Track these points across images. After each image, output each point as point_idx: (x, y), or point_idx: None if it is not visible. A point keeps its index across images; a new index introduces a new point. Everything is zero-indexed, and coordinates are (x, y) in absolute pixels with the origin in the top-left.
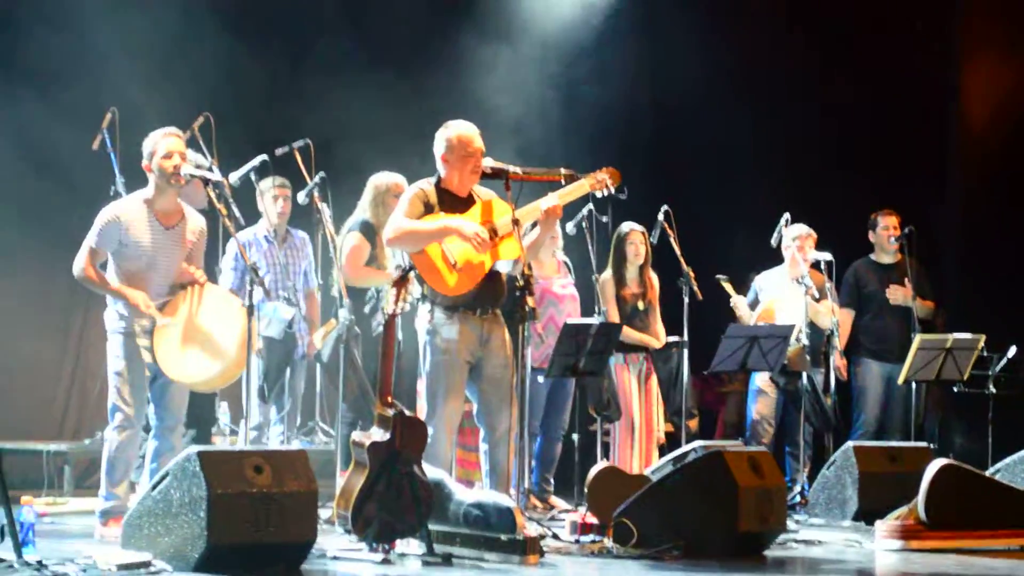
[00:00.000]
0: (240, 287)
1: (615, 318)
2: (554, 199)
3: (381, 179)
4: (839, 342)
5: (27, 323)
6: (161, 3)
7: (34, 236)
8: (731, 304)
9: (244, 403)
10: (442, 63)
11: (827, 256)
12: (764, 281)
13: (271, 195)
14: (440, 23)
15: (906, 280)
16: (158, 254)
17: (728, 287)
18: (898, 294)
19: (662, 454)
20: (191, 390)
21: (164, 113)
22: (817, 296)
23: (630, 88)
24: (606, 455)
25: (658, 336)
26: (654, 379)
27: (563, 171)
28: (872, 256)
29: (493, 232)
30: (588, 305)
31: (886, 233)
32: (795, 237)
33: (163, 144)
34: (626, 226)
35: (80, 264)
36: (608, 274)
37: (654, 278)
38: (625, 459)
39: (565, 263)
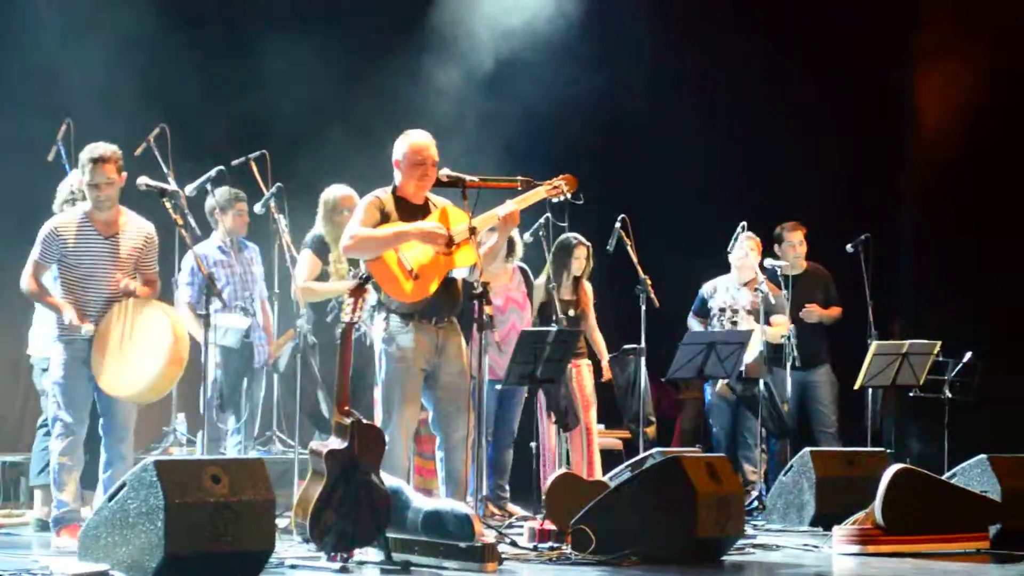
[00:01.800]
0: (198, 299)
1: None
2: (511, 205)
3: (330, 193)
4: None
5: None
6: (116, 13)
7: None
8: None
9: (202, 413)
10: (395, 76)
11: (783, 264)
12: (712, 288)
13: (232, 209)
14: (394, 36)
15: (816, 289)
16: (98, 264)
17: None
18: (813, 315)
19: (618, 461)
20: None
21: (120, 124)
22: (773, 303)
23: (587, 95)
24: (565, 462)
25: (596, 341)
26: (588, 384)
27: (520, 178)
28: (777, 270)
29: (450, 240)
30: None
31: (788, 245)
32: (750, 244)
33: (88, 173)
34: (573, 239)
35: (25, 279)
36: (542, 279)
37: (588, 288)
38: (558, 466)
39: (521, 269)
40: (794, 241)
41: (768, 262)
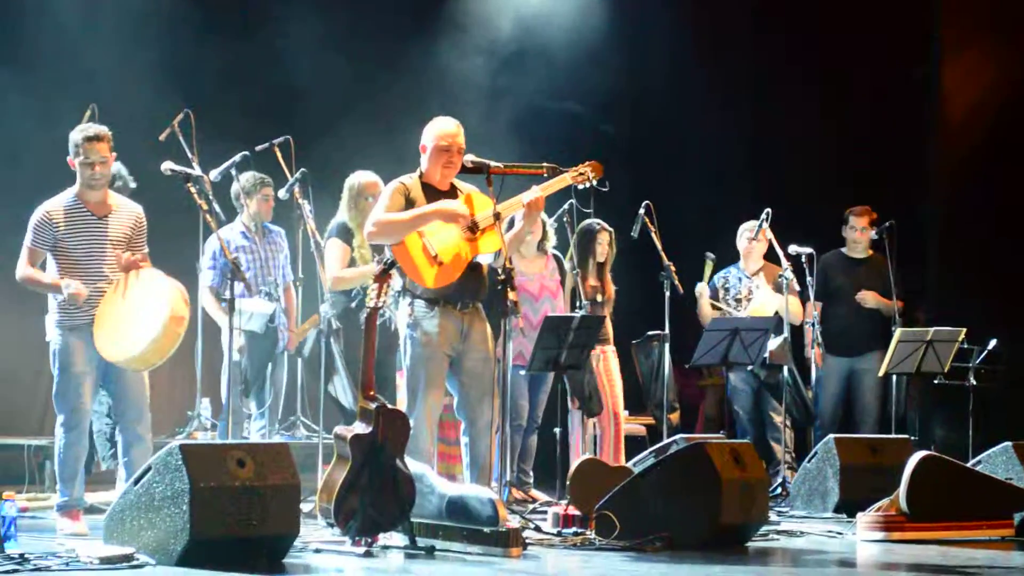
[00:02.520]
0: (221, 283)
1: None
2: (536, 191)
3: (355, 179)
4: (819, 335)
5: (7, 320)
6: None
7: (12, 235)
8: (696, 290)
9: (224, 397)
10: (418, 61)
11: (808, 250)
12: (723, 280)
13: (257, 195)
14: (418, 21)
15: (877, 278)
16: (93, 245)
17: (708, 270)
18: (868, 299)
19: (642, 448)
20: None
21: (144, 109)
22: (798, 288)
23: (610, 84)
24: (594, 449)
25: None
26: (614, 370)
27: (545, 165)
28: (843, 250)
29: (474, 226)
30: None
31: (855, 228)
32: (745, 233)
33: (83, 151)
34: (596, 224)
35: (20, 266)
36: (567, 266)
37: (610, 280)
38: (587, 451)
39: (555, 256)
40: (857, 226)
41: (792, 248)
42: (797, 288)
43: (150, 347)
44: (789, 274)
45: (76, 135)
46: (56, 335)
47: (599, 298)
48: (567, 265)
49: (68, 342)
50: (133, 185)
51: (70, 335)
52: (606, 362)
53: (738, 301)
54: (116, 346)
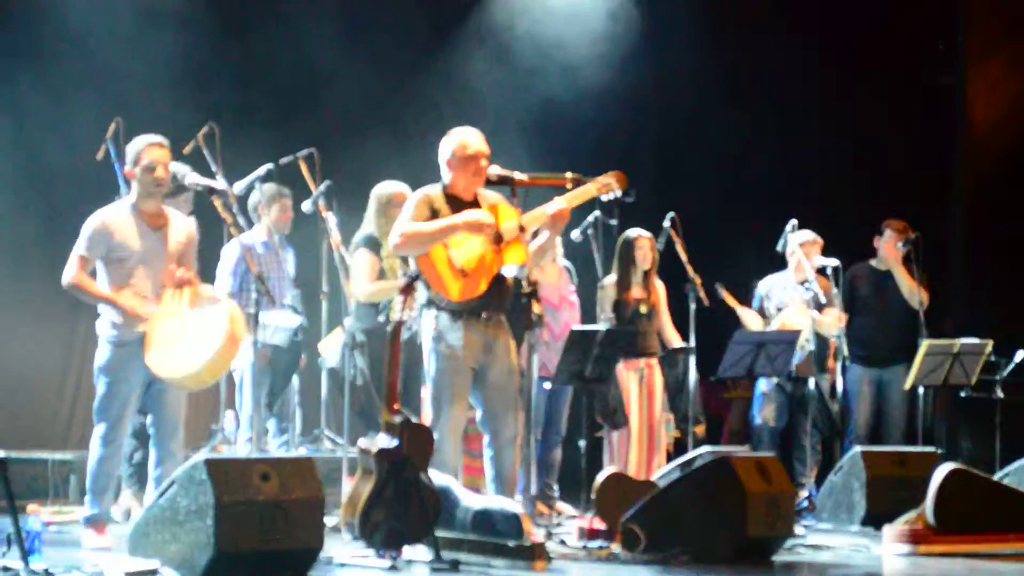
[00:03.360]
0: (238, 292)
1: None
2: (561, 203)
3: (383, 189)
4: (844, 347)
5: (32, 333)
6: (166, 13)
7: (38, 247)
8: (740, 316)
9: (247, 411)
10: (444, 73)
11: (834, 262)
12: (768, 287)
13: (277, 205)
14: (442, 33)
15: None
16: (147, 256)
17: (728, 297)
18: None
19: (669, 461)
20: (181, 390)
21: (169, 123)
22: (823, 301)
23: (635, 94)
24: (612, 461)
25: (669, 338)
26: (657, 383)
27: (569, 175)
28: (872, 261)
29: (499, 238)
30: (591, 311)
31: (889, 246)
32: (801, 243)
33: (146, 155)
34: (633, 232)
35: (70, 273)
36: (611, 279)
37: (659, 284)
38: (623, 464)
39: (568, 269)
40: (894, 242)
41: (817, 260)
42: (823, 301)
43: (206, 367)
44: (816, 286)
45: (138, 142)
46: (105, 348)
47: (643, 309)
48: (611, 278)
49: (117, 356)
50: (189, 183)
51: (120, 349)
52: (649, 375)
53: (779, 310)
54: (171, 363)
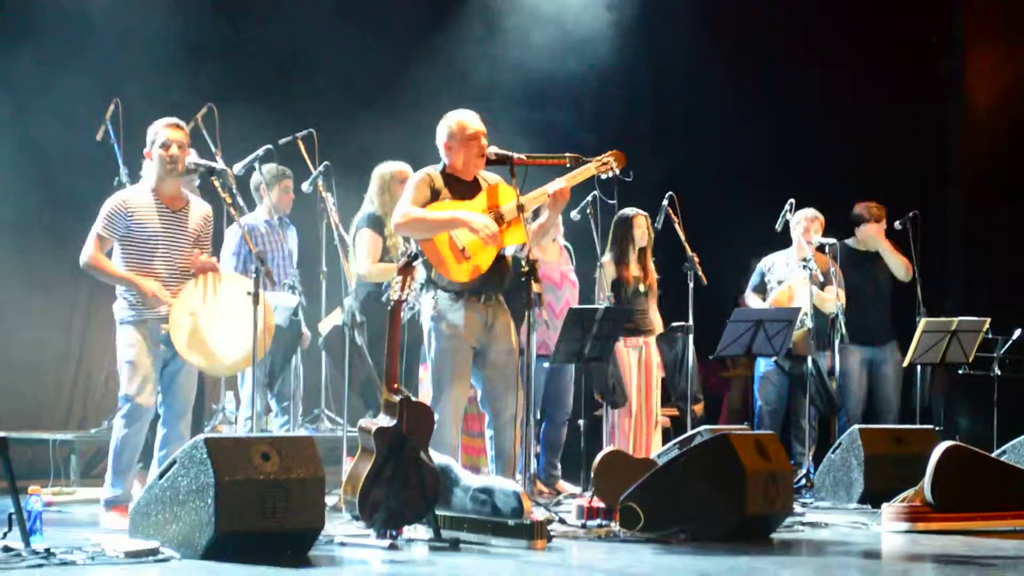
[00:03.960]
0: (240, 273)
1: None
2: (561, 182)
3: (386, 168)
4: (843, 326)
5: (32, 314)
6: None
7: (37, 227)
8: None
9: (248, 390)
10: (442, 55)
11: (832, 241)
12: (770, 262)
13: (278, 186)
14: (438, 13)
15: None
16: (165, 238)
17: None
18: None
19: (667, 439)
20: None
21: (168, 103)
22: (822, 280)
23: (632, 72)
24: (612, 440)
25: (651, 322)
26: (655, 362)
27: (568, 155)
28: (849, 242)
29: (499, 218)
30: (590, 290)
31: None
32: (801, 220)
33: (162, 134)
34: (630, 210)
35: (88, 252)
36: (608, 257)
37: (652, 266)
38: (624, 443)
39: (567, 248)
40: (867, 212)
41: (814, 238)
42: (820, 278)
43: (241, 357)
44: (813, 264)
45: (156, 124)
46: (124, 328)
47: (641, 288)
48: (607, 256)
49: (135, 336)
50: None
51: (137, 329)
52: (647, 353)
53: (780, 283)
54: (204, 353)
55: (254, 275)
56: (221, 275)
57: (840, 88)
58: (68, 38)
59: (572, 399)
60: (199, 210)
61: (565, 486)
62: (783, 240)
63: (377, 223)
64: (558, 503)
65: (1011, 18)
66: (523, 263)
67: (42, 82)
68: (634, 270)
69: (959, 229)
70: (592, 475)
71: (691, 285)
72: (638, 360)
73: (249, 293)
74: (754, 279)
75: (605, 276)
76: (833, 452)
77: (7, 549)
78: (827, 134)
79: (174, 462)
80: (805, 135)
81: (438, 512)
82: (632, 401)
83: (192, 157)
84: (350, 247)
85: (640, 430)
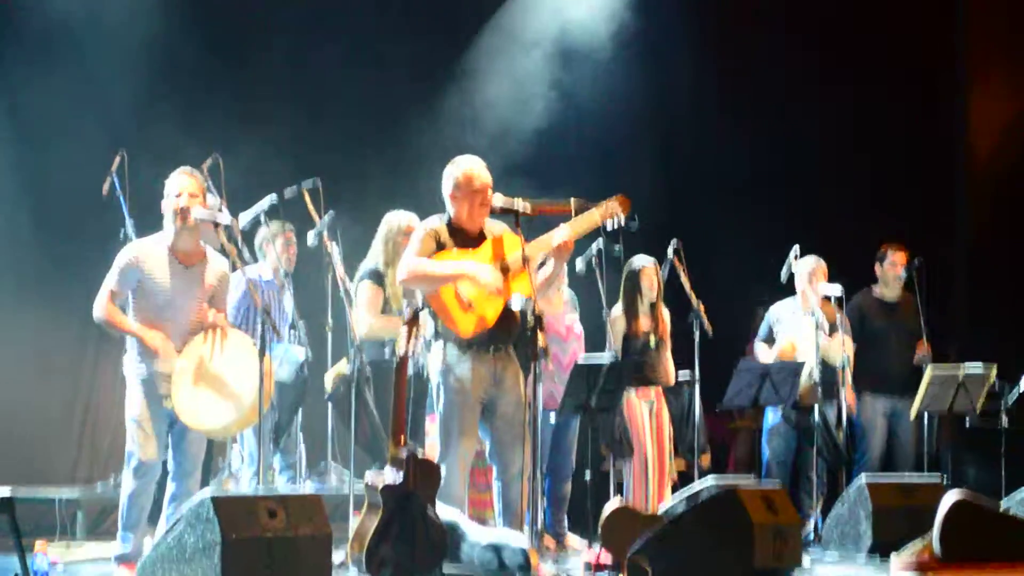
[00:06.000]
0: (242, 325)
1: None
2: (565, 232)
3: (393, 218)
4: (848, 375)
5: (37, 370)
6: (169, 45)
7: (44, 283)
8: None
9: (255, 446)
10: (447, 100)
11: (837, 290)
12: (778, 312)
13: (281, 240)
14: (441, 56)
15: (911, 317)
16: (177, 293)
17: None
18: (926, 354)
19: (673, 491)
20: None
21: (173, 155)
22: (828, 330)
23: (636, 121)
24: (619, 493)
25: (668, 373)
26: (665, 414)
27: (572, 202)
28: (875, 288)
29: (504, 269)
30: (597, 342)
31: (893, 269)
32: (805, 270)
33: (172, 182)
34: (639, 260)
35: (100, 306)
36: (618, 310)
37: (666, 314)
38: (639, 496)
39: (572, 299)
40: (897, 262)
41: (822, 287)
42: (827, 328)
43: (235, 423)
44: (819, 314)
45: (171, 176)
46: (131, 384)
47: (652, 340)
48: (617, 309)
49: (143, 392)
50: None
51: (145, 385)
52: (658, 404)
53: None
54: (199, 415)
55: (259, 329)
56: (227, 333)
57: (844, 132)
58: (72, 89)
59: (576, 452)
60: (215, 267)
61: (573, 540)
62: (790, 287)
63: (377, 276)
64: (567, 557)
65: (1012, 55)
66: (529, 315)
67: (46, 134)
68: (644, 323)
69: (965, 275)
70: (599, 529)
71: (697, 335)
72: (650, 412)
73: (254, 345)
74: (763, 330)
75: (615, 328)
76: (841, 504)
77: None
78: (829, 180)
79: (180, 519)
80: (809, 181)
81: (445, 568)
82: (647, 453)
83: (197, 211)
84: (354, 299)
85: (653, 482)
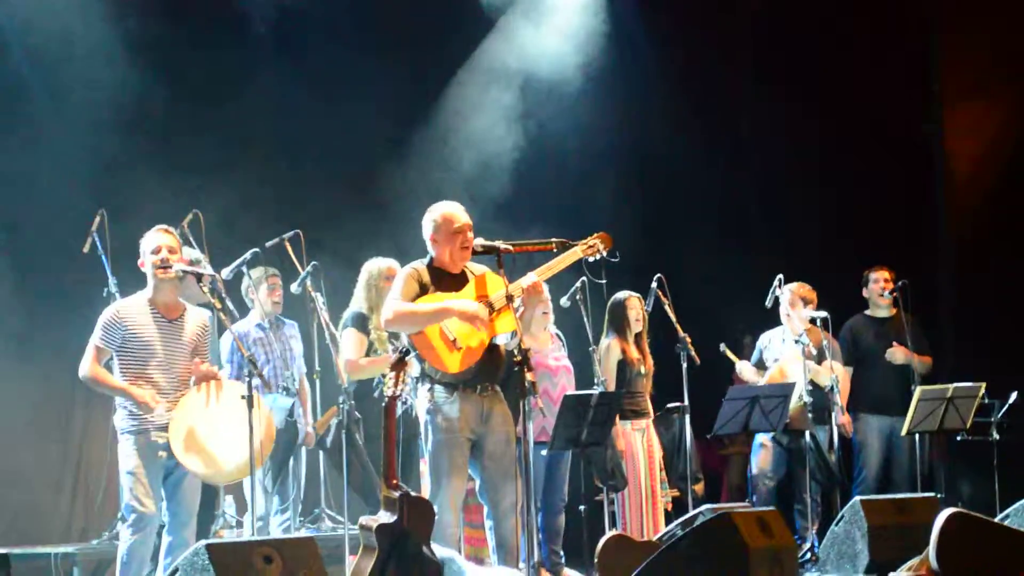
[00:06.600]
0: (238, 379)
1: (612, 386)
2: (532, 277)
3: (373, 264)
4: (840, 399)
5: (29, 429)
6: (145, 100)
7: (31, 342)
8: (736, 370)
9: (249, 494)
10: (423, 142)
11: (822, 314)
12: (766, 340)
13: (264, 285)
14: (419, 101)
15: (905, 334)
16: (162, 348)
17: (730, 354)
18: (899, 355)
19: (668, 520)
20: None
21: (153, 212)
22: (815, 353)
23: (616, 156)
24: (613, 524)
25: (648, 406)
26: (655, 444)
27: (554, 240)
28: (867, 312)
29: (489, 307)
30: (583, 376)
31: (877, 287)
32: (788, 296)
33: (151, 240)
34: (623, 294)
35: (86, 365)
36: (611, 339)
37: (647, 349)
38: (635, 526)
39: (558, 335)
40: (880, 279)
41: (806, 313)
42: (814, 352)
43: (240, 465)
44: (805, 339)
45: (147, 234)
46: (124, 438)
47: (642, 369)
48: (606, 341)
49: (135, 446)
50: (208, 272)
51: (137, 439)
52: (648, 435)
53: (776, 361)
54: (204, 460)
55: (248, 378)
56: (222, 383)
57: (825, 159)
58: (49, 149)
59: (567, 485)
60: (196, 318)
61: (569, 573)
62: (775, 315)
63: (361, 321)
64: None
65: (988, 77)
66: (515, 352)
67: (25, 196)
68: (633, 351)
69: (951, 294)
70: (596, 560)
71: (684, 365)
72: (641, 441)
73: (243, 397)
74: (754, 356)
75: (609, 357)
76: (836, 525)
77: None
78: (812, 207)
79: (177, 570)
80: (790, 211)
81: None
82: (642, 483)
83: (180, 265)
84: (340, 345)
85: (647, 512)
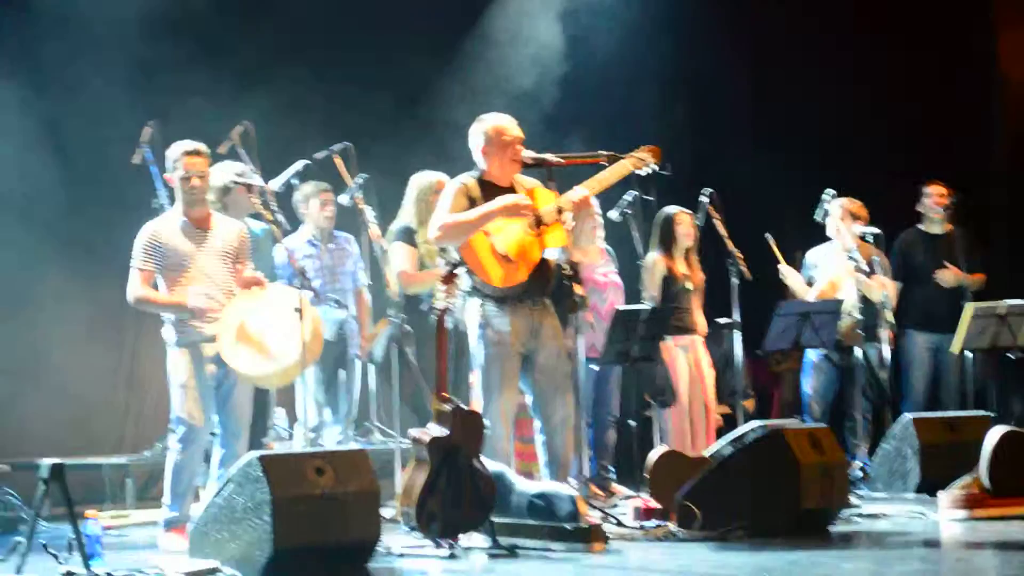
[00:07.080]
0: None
1: (658, 302)
2: (582, 191)
3: (423, 178)
4: (889, 314)
5: (81, 340)
6: (196, 14)
7: (82, 255)
8: (780, 273)
9: (302, 406)
10: (472, 56)
11: (874, 230)
12: (815, 257)
13: (316, 200)
14: (470, 17)
15: (957, 252)
16: (200, 257)
17: (774, 247)
18: (949, 277)
19: (719, 436)
20: (254, 386)
21: (204, 123)
22: (866, 270)
23: (664, 69)
24: (663, 440)
25: (701, 323)
26: (705, 361)
27: (603, 153)
28: (920, 226)
29: (539, 221)
30: (633, 292)
31: (931, 201)
32: (838, 210)
33: (180, 165)
34: (673, 208)
35: (133, 288)
36: (656, 255)
37: (698, 265)
38: (677, 442)
39: (608, 250)
40: (935, 194)
41: (857, 228)
42: (866, 268)
43: (293, 365)
44: (856, 254)
45: (174, 150)
46: (173, 351)
47: (688, 285)
48: (652, 255)
49: (185, 358)
50: (258, 183)
51: (187, 351)
52: (695, 352)
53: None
54: (256, 362)
55: (298, 289)
56: (268, 286)
57: (877, 74)
58: (99, 59)
59: (618, 400)
60: (231, 226)
61: (619, 488)
62: (826, 229)
63: (409, 235)
64: (614, 505)
65: None
66: (566, 266)
67: (79, 109)
68: (680, 267)
69: (1003, 212)
70: (647, 476)
71: (735, 282)
72: (686, 357)
73: (297, 310)
74: (803, 274)
75: (654, 272)
76: (887, 442)
77: (69, 574)
78: (868, 122)
79: (230, 480)
80: (843, 125)
81: (495, 519)
82: (685, 399)
83: (231, 176)
84: (389, 259)
85: (699, 428)
